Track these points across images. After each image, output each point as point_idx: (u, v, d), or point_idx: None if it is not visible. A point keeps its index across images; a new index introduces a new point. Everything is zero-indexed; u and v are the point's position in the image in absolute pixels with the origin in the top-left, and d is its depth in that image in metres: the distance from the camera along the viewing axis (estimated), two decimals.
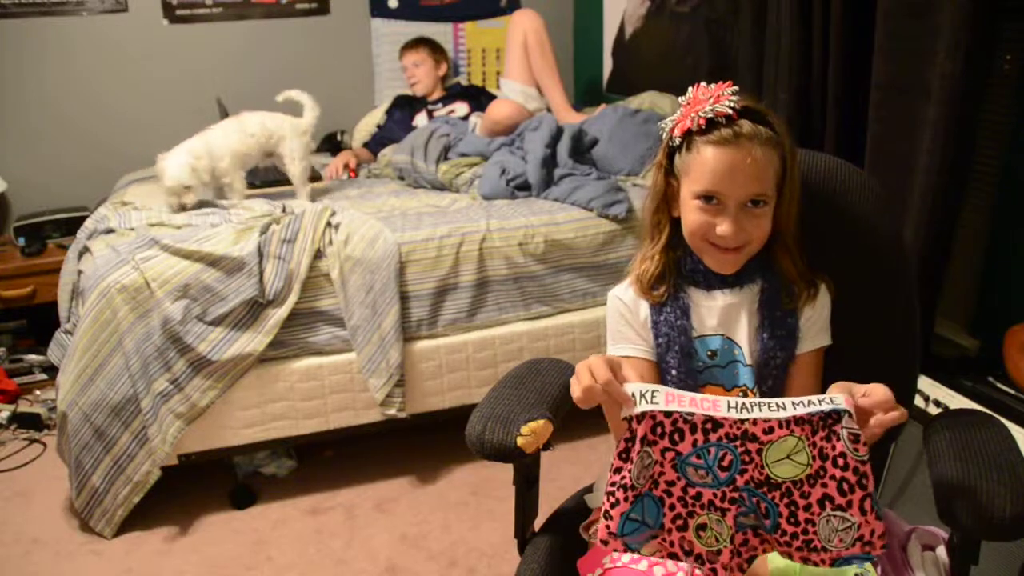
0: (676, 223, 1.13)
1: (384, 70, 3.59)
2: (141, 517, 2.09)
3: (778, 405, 0.88)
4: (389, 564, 1.95)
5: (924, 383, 1.65)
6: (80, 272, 2.15)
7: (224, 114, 2.72)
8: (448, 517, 2.11)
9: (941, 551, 1.06)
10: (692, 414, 0.89)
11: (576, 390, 0.91)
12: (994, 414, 1.18)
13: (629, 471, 0.89)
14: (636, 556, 1.04)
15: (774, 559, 1.01)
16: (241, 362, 2.05)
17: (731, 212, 1.04)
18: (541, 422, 1.09)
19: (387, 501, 2.19)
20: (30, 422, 2.59)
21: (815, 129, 1.95)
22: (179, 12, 3.27)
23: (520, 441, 1.07)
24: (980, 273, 1.81)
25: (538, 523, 1.24)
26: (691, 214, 1.08)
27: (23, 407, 2.66)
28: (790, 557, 0.92)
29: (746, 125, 1.03)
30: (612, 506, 0.91)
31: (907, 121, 1.66)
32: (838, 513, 0.88)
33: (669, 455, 0.90)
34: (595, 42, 3.55)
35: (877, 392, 0.88)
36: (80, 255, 2.22)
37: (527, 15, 3.15)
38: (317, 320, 2.14)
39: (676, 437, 0.89)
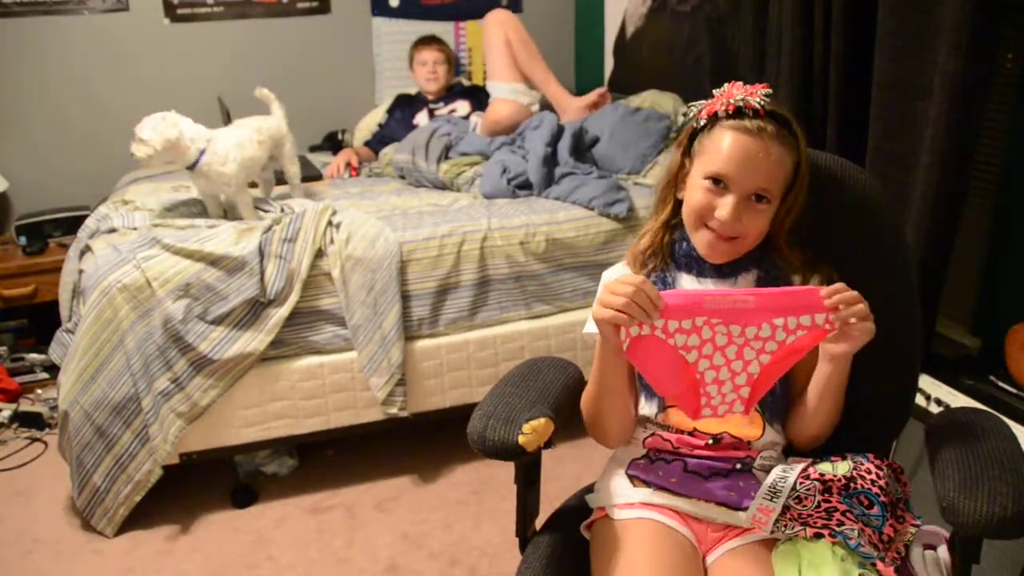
0: (678, 205, 1.16)
1: (385, 68, 3.59)
2: (142, 516, 2.09)
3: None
4: (390, 563, 1.95)
5: (926, 382, 1.65)
6: (81, 271, 2.15)
7: (225, 113, 2.71)
8: (449, 516, 2.11)
9: (942, 550, 1.06)
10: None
11: (605, 312, 0.99)
12: (996, 413, 1.18)
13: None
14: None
15: (778, 554, 1.01)
16: (242, 361, 2.05)
17: (734, 199, 1.07)
18: (542, 420, 1.10)
19: (388, 500, 2.19)
20: (31, 421, 2.59)
21: (816, 127, 1.94)
22: (180, 11, 3.27)
23: (522, 439, 1.07)
24: (982, 272, 1.81)
25: (539, 522, 1.24)
26: (696, 193, 1.10)
27: (24, 406, 2.66)
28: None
29: (771, 125, 1.07)
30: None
31: (908, 119, 1.66)
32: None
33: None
34: (596, 41, 3.55)
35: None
36: (81, 254, 2.22)
37: (502, 14, 3.15)
38: (318, 319, 2.14)
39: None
